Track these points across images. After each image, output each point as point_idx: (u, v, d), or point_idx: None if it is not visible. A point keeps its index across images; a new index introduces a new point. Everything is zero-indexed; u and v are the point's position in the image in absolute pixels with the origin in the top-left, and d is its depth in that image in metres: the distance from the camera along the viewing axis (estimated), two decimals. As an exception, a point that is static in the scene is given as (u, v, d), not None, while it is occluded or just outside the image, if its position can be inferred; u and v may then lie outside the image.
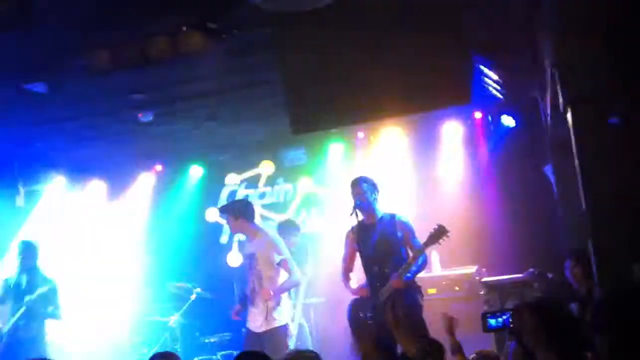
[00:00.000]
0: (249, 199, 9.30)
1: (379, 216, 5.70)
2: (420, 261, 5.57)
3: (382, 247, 5.64)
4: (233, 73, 6.38)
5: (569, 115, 3.84)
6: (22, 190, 9.17)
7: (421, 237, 5.61)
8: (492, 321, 3.94)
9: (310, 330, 7.83)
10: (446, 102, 5.21)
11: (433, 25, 4.87)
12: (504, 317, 3.90)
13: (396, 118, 7.77)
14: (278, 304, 6.10)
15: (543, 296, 6.28)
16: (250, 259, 6.20)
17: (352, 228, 5.77)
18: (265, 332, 6.06)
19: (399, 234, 5.63)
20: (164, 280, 8.81)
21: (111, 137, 7.99)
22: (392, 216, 5.71)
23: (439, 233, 5.44)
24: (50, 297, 7.08)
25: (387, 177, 8.37)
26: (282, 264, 6.12)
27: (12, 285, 7.18)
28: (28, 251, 7.24)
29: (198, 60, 5.29)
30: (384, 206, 5.81)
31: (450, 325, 4.26)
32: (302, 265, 7.17)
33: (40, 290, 6.99)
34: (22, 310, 6.96)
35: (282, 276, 6.17)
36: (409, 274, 5.49)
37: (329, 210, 8.94)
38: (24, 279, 7.18)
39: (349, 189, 5.77)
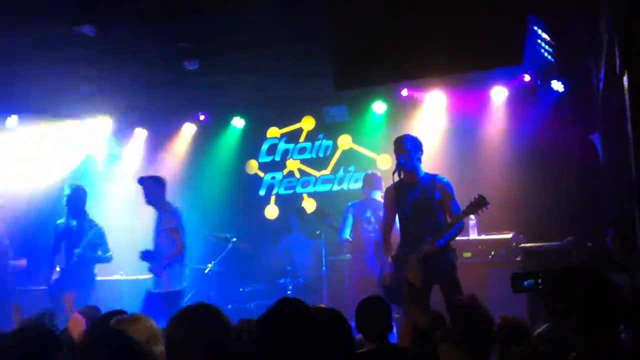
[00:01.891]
0: (288, 153, 9.39)
1: (420, 176, 5.62)
2: (454, 229, 5.52)
3: (419, 207, 5.57)
4: (281, 25, 6.34)
5: (625, 79, 3.72)
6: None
7: (461, 202, 5.53)
8: (524, 282, 3.88)
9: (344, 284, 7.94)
10: (498, 61, 5.07)
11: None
12: (536, 279, 3.84)
13: (443, 77, 7.65)
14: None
15: (580, 263, 6.20)
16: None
17: (393, 185, 5.70)
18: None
19: (438, 195, 5.55)
20: (202, 228, 8.94)
21: (157, 85, 8.03)
22: (433, 177, 5.63)
23: (478, 204, 5.35)
24: (98, 241, 7.35)
25: (429, 138, 8.33)
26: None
27: (62, 230, 7.39)
28: (76, 195, 7.39)
29: (248, 10, 5.25)
30: (425, 168, 5.74)
31: None
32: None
33: (88, 238, 7.26)
34: (74, 259, 7.21)
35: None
36: (442, 240, 5.45)
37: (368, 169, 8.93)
38: (73, 224, 7.38)
39: (391, 147, 5.72)
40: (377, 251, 7.12)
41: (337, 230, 7.84)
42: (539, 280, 3.62)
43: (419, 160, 5.64)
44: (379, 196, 7.33)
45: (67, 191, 7.39)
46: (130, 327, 3.06)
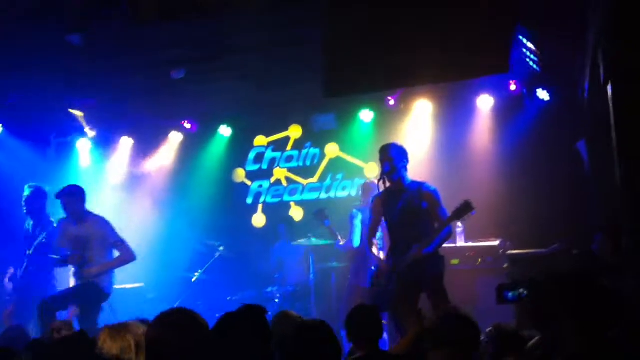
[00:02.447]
0: (275, 161, 9.40)
1: (406, 184, 5.66)
2: (442, 234, 5.55)
3: (406, 215, 5.60)
4: (268, 33, 6.36)
5: (609, 89, 3.77)
6: (53, 142, 9.31)
7: (448, 210, 5.49)
8: (508, 293, 3.89)
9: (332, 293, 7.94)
10: (484, 70, 5.11)
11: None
12: (520, 290, 3.85)
13: (431, 86, 7.70)
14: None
15: (569, 269, 6.24)
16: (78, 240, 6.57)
17: (380, 194, 5.73)
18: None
19: (424, 203, 5.58)
20: (189, 237, 8.93)
21: (143, 93, 8.02)
22: (420, 185, 5.66)
23: (464, 209, 5.38)
24: (50, 244, 6.91)
25: (416, 147, 8.37)
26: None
27: (24, 234, 7.18)
28: (35, 195, 7.10)
29: (237, 14, 5.26)
30: (412, 175, 5.77)
31: None
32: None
33: (37, 241, 7.00)
34: (24, 265, 7.02)
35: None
36: (429, 247, 5.48)
37: (355, 177, 8.97)
38: (30, 225, 7.16)
39: (378, 155, 5.74)
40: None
41: (334, 235, 7.76)
42: (522, 291, 3.63)
43: (405, 168, 5.67)
44: None
45: (26, 192, 7.10)
46: (107, 341, 3.05)
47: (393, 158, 5.59)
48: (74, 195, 6.69)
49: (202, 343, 2.77)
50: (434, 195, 5.63)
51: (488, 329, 4.13)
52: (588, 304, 2.82)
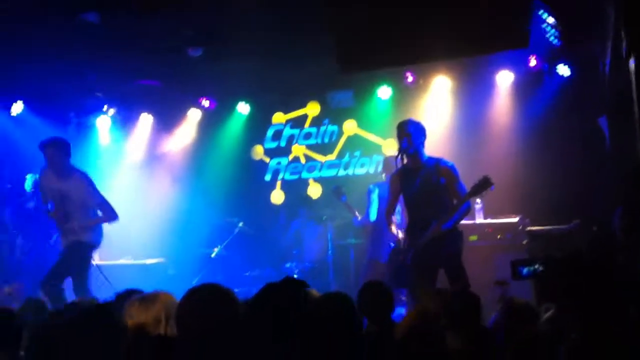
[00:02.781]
0: (293, 139, 9.41)
1: (424, 160, 5.63)
2: (461, 210, 5.54)
3: (424, 192, 5.57)
4: (285, 9, 6.32)
5: (631, 63, 3.71)
6: (74, 120, 9.39)
7: (467, 187, 5.48)
8: (523, 269, 3.90)
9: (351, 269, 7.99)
10: (503, 44, 5.06)
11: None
12: (535, 266, 3.85)
13: (449, 61, 7.64)
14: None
15: (583, 249, 6.22)
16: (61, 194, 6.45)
17: (397, 171, 5.71)
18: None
19: (442, 179, 5.55)
20: (208, 213, 9.00)
21: (161, 71, 8.04)
22: (437, 161, 5.63)
23: (483, 185, 5.37)
24: None
25: (434, 123, 8.33)
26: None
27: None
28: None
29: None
30: (430, 152, 5.74)
31: None
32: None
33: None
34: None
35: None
36: (448, 223, 5.48)
37: (373, 154, 8.96)
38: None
39: (396, 132, 5.72)
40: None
41: (351, 211, 7.78)
42: (537, 267, 3.63)
43: (422, 144, 5.63)
44: None
45: (30, 180, 7.40)
46: (137, 310, 3.09)
47: (411, 134, 5.55)
48: (60, 147, 6.44)
49: (233, 318, 2.78)
50: (452, 171, 5.60)
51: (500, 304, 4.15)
52: (596, 291, 2.81)
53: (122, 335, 2.78)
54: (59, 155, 6.41)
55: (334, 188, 7.98)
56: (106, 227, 8.25)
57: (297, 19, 6.58)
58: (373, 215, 7.38)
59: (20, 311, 4.02)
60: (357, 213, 7.73)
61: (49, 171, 6.53)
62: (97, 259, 8.28)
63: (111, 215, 6.63)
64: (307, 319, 2.80)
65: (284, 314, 2.85)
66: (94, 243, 6.61)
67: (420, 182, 5.60)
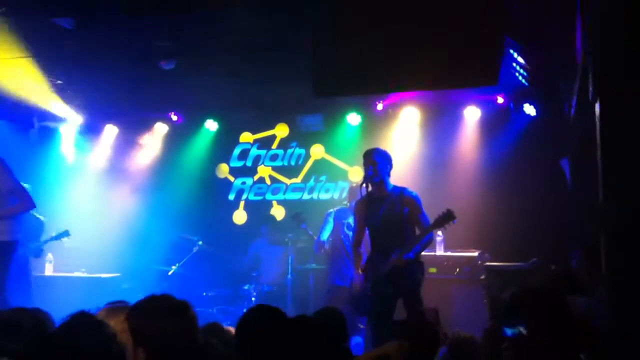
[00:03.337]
0: (260, 159, 9.39)
1: (389, 190, 5.66)
2: (423, 241, 5.59)
3: (387, 221, 5.60)
4: (261, 30, 6.33)
5: (597, 106, 3.78)
6: (36, 125, 9.20)
7: (430, 218, 5.49)
8: (507, 331, 3.83)
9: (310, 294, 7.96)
10: (473, 80, 5.13)
11: (469, 2, 4.82)
12: (519, 328, 3.72)
13: (420, 93, 7.75)
14: None
15: (544, 285, 6.27)
16: None
17: (361, 198, 5.73)
18: None
19: (406, 209, 5.59)
20: (168, 229, 8.87)
21: (131, 82, 7.94)
22: (402, 190, 5.67)
23: (446, 217, 5.41)
24: None
25: (401, 153, 8.39)
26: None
27: None
28: None
29: (230, 10, 5.24)
30: (395, 181, 5.79)
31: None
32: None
33: None
34: None
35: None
36: (410, 253, 5.50)
37: (339, 180, 8.98)
38: None
39: (362, 160, 5.75)
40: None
41: (311, 237, 7.88)
42: (520, 330, 3.56)
43: (388, 173, 5.67)
44: None
45: None
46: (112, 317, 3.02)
47: (377, 162, 5.59)
48: None
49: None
50: (416, 201, 5.64)
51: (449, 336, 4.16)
52: (554, 326, 2.84)
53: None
54: None
55: (294, 215, 8.03)
56: (65, 240, 8.10)
57: (273, 41, 6.59)
58: (324, 236, 7.60)
59: None
60: (314, 237, 7.79)
61: None
62: (50, 270, 8.16)
63: (29, 203, 6.00)
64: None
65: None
66: (14, 239, 5.93)
67: (384, 211, 5.61)
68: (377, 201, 5.67)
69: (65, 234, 7.64)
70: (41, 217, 7.78)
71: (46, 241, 7.58)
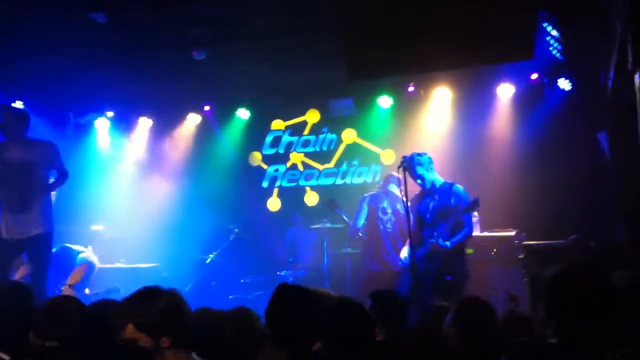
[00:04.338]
0: (292, 146, 9.39)
1: (438, 185, 6.16)
2: (464, 232, 6.03)
3: (436, 213, 6.06)
4: (290, 16, 6.33)
5: (637, 77, 3.70)
6: (72, 120, 9.34)
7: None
8: None
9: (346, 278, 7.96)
10: (508, 56, 5.08)
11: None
12: None
13: (453, 72, 7.66)
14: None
15: (583, 262, 6.17)
16: (25, 164, 5.96)
17: (415, 194, 6.28)
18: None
19: (453, 202, 6.01)
20: (204, 218, 8.95)
21: (163, 74, 8.01)
22: (450, 185, 6.13)
23: (473, 206, 5.95)
24: None
25: (434, 134, 8.34)
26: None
27: None
28: None
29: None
30: (440, 174, 6.26)
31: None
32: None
33: None
34: None
35: None
36: (448, 242, 5.93)
37: (371, 164, 8.95)
38: None
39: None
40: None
41: (346, 223, 7.84)
42: None
43: (428, 170, 6.18)
44: (395, 189, 7.36)
45: None
46: None
47: (414, 169, 6.12)
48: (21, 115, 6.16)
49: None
50: (461, 196, 6.08)
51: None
52: (592, 304, 2.80)
53: None
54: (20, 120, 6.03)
55: (328, 201, 8.03)
56: (103, 230, 8.24)
57: (302, 26, 6.58)
58: (359, 222, 7.55)
59: None
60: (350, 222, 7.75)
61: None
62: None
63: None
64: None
65: None
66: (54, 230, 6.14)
67: (434, 204, 6.14)
68: (427, 195, 6.23)
69: (116, 290, 7.56)
70: (93, 258, 7.84)
71: (97, 294, 7.39)
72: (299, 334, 3.01)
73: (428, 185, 6.18)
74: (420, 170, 6.16)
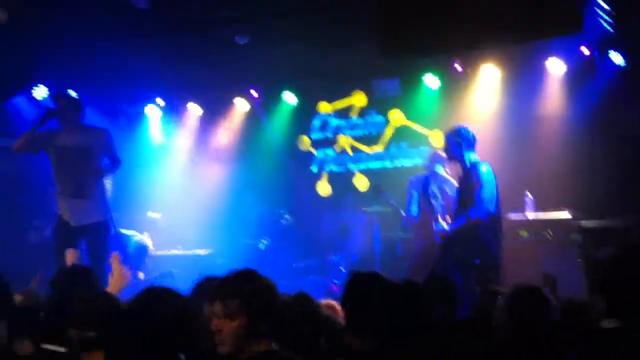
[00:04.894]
0: (339, 129, 9.37)
1: (469, 164, 6.01)
2: (468, 214, 5.90)
3: (463, 194, 6.02)
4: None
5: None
6: (124, 110, 9.55)
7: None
8: None
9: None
10: (556, 29, 4.91)
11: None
12: None
13: (499, 49, 7.49)
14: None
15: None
16: (82, 150, 6.10)
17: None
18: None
19: (474, 182, 5.88)
20: (255, 204, 9.05)
21: (209, 60, 8.06)
22: (475, 165, 5.98)
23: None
24: None
25: (483, 114, 8.19)
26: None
27: None
28: None
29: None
30: (481, 143, 6.16)
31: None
32: None
33: None
34: None
35: None
36: (454, 224, 6.01)
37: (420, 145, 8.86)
38: None
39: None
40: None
41: (394, 208, 7.71)
42: None
43: (463, 148, 6.04)
44: (441, 170, 7.27)
45: None
46: None
47: (449, 144, 6.08)
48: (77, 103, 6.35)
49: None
50: (480, 178, 5.93)
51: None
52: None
53: None
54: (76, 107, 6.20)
55: (374, 186, 7.92)
56: (159, 218, 8.41)
57: (342, 4, 6.50)
58: (413, 210, 7.45)
59: None
60: (402, 212, 7.61)
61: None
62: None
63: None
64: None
65: None
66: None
67: (463, 185, 6.12)
68: (462, 175, 6.15)
69: (170, 275, 7.76)
70: (146, 241, 8.03)
71: (150, 280, 7.52)
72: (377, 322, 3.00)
73: (467, 165, 6.03)
74: (464, 145, 6.04)
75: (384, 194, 7.75)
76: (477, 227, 5.86)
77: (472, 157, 6.03)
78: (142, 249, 8.09)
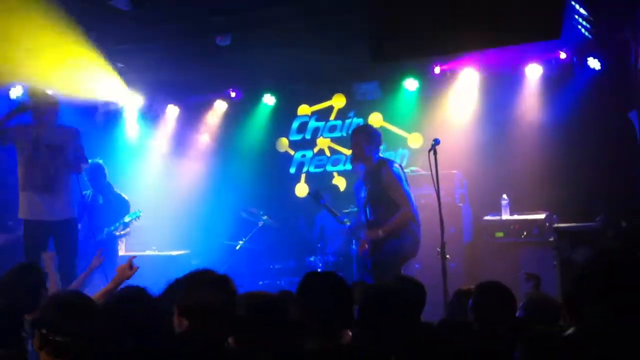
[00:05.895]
0: (318, 131, 9.38)
1: (375, 164, 6.03)
2: (395, 217, 5.91)
3: (370, 196, 6.06)
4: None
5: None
6: (101, 108, 9.44)
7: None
8: None
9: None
10: (535, 35, 4.98)
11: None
12: None
13: (479, 52, 7.55)
14: None
15: (615, 245, 6.09)
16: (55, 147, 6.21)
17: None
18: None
19: (384, 183, 5.91)
20: (232, 205, 9.00)
21: (189, 60, 8.03)
22: (384, 164, 5.99)
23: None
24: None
25: (462, 116, 8.25)
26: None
27: (89, 203, 7.48)
28: (94, 172, 7.54)
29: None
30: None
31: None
32: None
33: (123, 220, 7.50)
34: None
35: None
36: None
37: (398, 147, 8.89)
38: (99, 199, 7.65)
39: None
40: None
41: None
42: None
43: (371, 149, 6.07)
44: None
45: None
46: None
47: (359, 142, 6.06)
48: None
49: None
50: (391, 177, 5.98)
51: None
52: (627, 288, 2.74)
53: None
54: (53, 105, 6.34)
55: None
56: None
57: (324, 9, 6.53)
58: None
59: None
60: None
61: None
62: (122, 250, 8.40)
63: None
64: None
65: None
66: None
67: (370, 186, 6.15)
68: (367, 176, 6.16)
69: (136, 214, 7.81)
70: (126, 197, 8.00)
71: (122, 223, 7.71)
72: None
73: (373, 165, 6.07)
74: (371, 146, 6.08)
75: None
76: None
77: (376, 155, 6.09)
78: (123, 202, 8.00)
